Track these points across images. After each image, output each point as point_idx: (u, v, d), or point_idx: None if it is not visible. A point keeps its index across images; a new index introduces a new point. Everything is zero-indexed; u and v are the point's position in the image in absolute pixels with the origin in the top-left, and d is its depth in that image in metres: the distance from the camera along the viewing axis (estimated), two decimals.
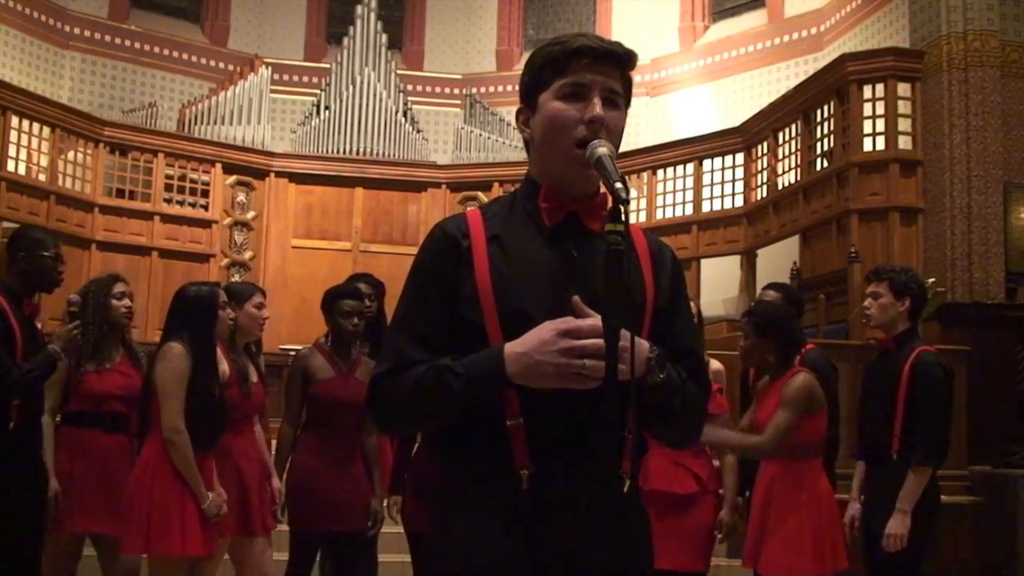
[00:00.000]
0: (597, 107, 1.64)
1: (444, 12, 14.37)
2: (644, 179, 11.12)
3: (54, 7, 12.25)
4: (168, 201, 11.87)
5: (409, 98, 13.41)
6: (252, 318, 4.00)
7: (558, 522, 1.59)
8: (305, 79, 13.82)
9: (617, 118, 1.68)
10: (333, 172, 12.65)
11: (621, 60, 1.69)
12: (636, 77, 1.75)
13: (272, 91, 13.06)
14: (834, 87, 8.65)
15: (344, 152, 12.74)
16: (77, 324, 3.78)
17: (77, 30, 12.53)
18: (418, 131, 13.25)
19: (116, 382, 3.92)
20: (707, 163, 10.69)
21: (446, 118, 13.95)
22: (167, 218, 11.79)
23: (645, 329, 1.67)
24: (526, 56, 1.80)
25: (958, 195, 7.69)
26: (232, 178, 12.36)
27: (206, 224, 12.08)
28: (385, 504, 4.12)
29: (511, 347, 1.56)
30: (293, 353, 5.38)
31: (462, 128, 13.26)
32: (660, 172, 11.09)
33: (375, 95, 12.88)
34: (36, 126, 10.50)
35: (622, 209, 1.50)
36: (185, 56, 13.38)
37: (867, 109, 8.32)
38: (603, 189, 1.63)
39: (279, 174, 12.59)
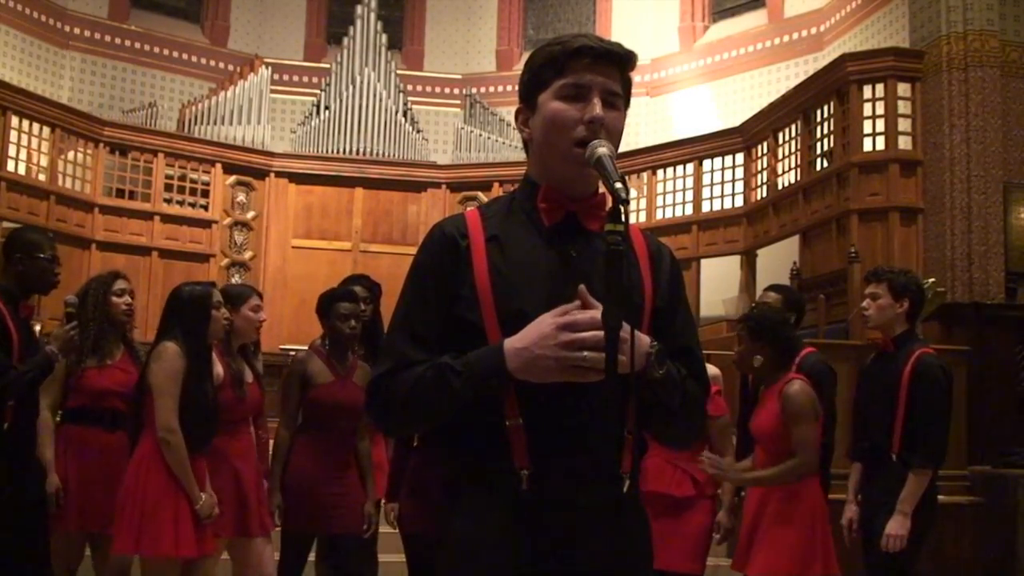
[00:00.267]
0: (597, 108, 1.64)
1: (444, 12, 14.37)
2: (644, 179, 11.12)
3: (54, 7, 12.25)
4: (168, 201, 11.87)
5: (409, 98, 13.41)
6: (248, 321, 3.99)
7: (558, 522, 1.60)
8: (305, 79, 13.82)
9: (616, 119, 1.68)
10: (333, 172, 12.65)
11: (621, 61, 1.69)
12: (636, 77, 1.75)
13: (272, 91, 13.06)
14: (834, 87, 8.65)
15: (344, 152, 12.74)
16: (74, 325, 3.78)
17: (77, 30, 12.53)
18: (418, 131, 13.25)
19: (116, 378, 3.92)
20: (707, 163, 10.68)
21: (446, 118, 13.95)
22: (167, 218, 11.79)
23: (644, 329, 1.67)
24: (526, 56, 1.80)
25: (958, 195, 7.69)
26: (232, 178, 12.37)
27: (206, 224, 12.08)
28: (382, 508, 4.12)
29: (511, 343, 1.57)
30: (293, 353, 5.38)
31: (462, 128, 13.26)
32: (660, 172, 11.09)
33: (375, 95, 12.88)
34: (36, 126, 10.50)
35: (622, 209, 1.50)
36: (185, 56, 13.38)
37: (867, 109, 8.32)
38: (602, 189, 1.63)
39: (279, 174, 12.59)
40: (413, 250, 1.78)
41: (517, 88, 1.77)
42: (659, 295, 1.73)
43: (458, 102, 13.89)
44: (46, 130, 10.63)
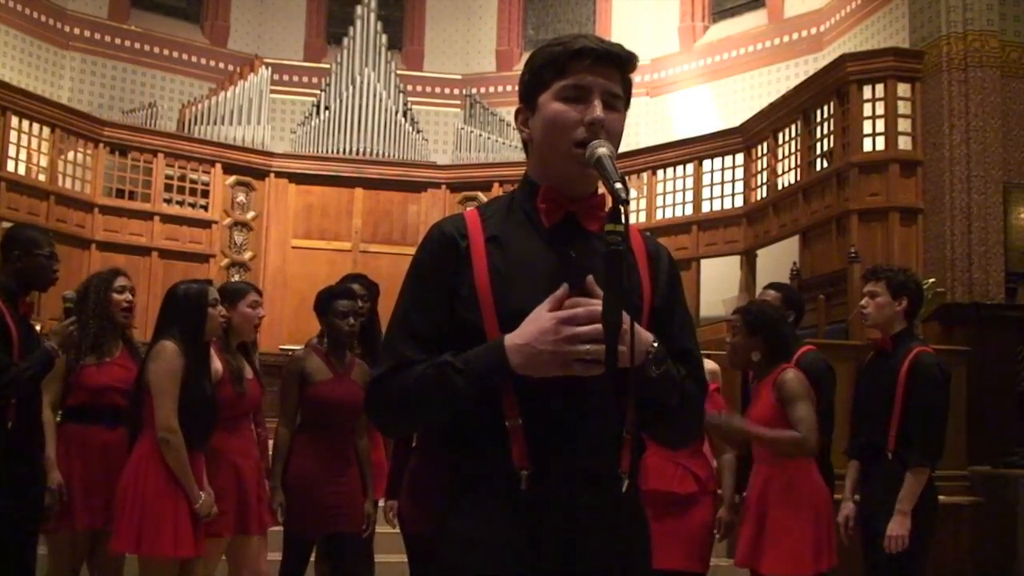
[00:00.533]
0: (597, 109, 1.64)
1: (444, 12, 14.36)
2: (644, 179, 11.12)
3: (54, 7, 12.25)
4: (168, 201, 11.87)
5: (409, 98, 13.41)
6: (246, 317, 3.98)
7: (557, 522, 1.59)
8: (305, 79, 13.82)
9: (617, 120, 1.68)
10: (333, 172, 12.65)
11: (622, 62, 1.69)
12: (636, 77, 1.75)
13: (272, 91, 13.06)
14: (834, 87, 8.65)
15: (344, 152, 12.74)
16: (73, 320, 3.78)
17: (77, 30, 12.53)
18: (418, 131, 13.25)
19: (115, 375, 3.92)
20: (707, 163, 10.69)
21: (446, 118, 13.95)
22: (167, 218, 11.79)
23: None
24: (526, 56, 1.80)
25: (958, 195, 7.69)
26: (232, 178, 12.37)
27: (206, 224, 12.09)
28: (381, 506, 4.12)
29: (511, 339, 1.57)
30: (291, 353, 5.36)
31: (462, 128, 13.26)
32: (660, 172, 11.10)
33: (375, 95, 12.88)
34: (36, 126, 10.51)
35: (622, 209, 1.50)
36: (185, 56, 13.38)
37: (867, 109, 8.33)
38: (602, 190, 1.63)
39: (279, 174, 12.60)
40: (413, 250, 1.78)
41: (517, 88, 1.76)
42: (658, 296, 1.73)
43: (458, 102, 13.89)
44: (46, 130, 10.64)
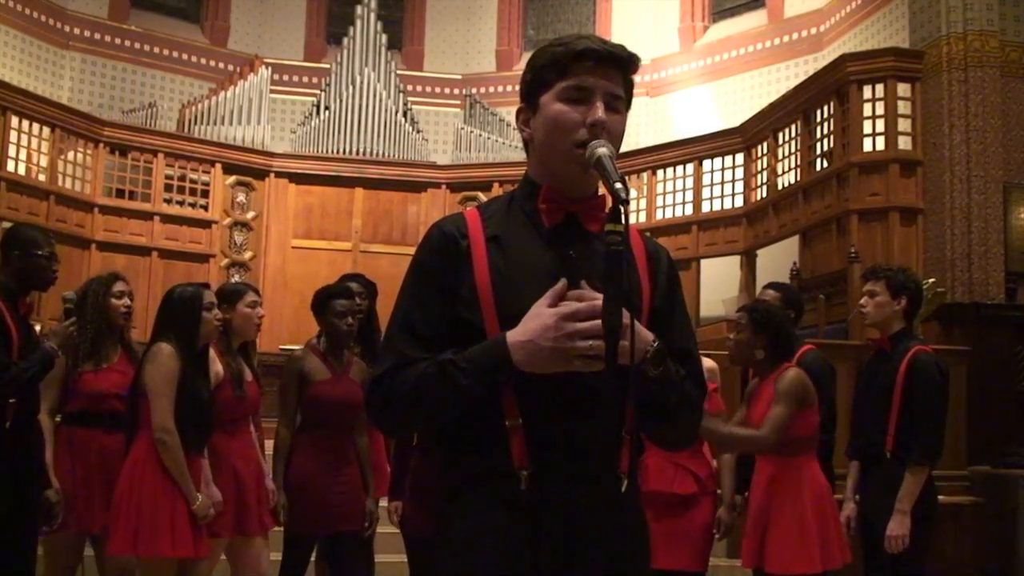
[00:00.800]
0: (599, 111, 1.64)
1: (444, 12, 14.36)
2: (644, 179, 11.12)
3: (54, 7, 12.24)
4: (168, 201, 11.86)
5: (409, 98, 13.40)
6: (246, 317, 3.98)
7: (556, 522, 1.60)
8: (305, 79, 13.81)
9: (618, 121, 1.68)
10: (333, 172, 12.65)
11: (624, 63, 1.69)
12: (636, 77, 1.75)
13: (272, 91, 13.05)
14: (834, 87, 8.65)
15: (344, 152, 12.73)
16: (73, 320, 3.78)
17: (77, 30, 12.52)
18: (418, 131, 13.25)
19: (114, 380, 3.92)
20: (707, 163, 10.68)
21: (446, 118, 13.94)
22: (167, 218, 11.78)
23: None
24: (526, 56, 1.81)
25: (958, 195, 7.69)
26: (232, 178, 12.36)
27: (206, 224, 12.08)
28: (383, 506, 4.12)
29: (513, 336, 1.57)
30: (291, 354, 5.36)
31: (462, 128, 13.26)
32: (660, 172, 11.09)
33: (375, 95, 12.87)
34: (36, 126, 10.50)
35: (622, 210, 1.50)
36: (185, 56, 13.38)
37: (867, 109, 8.32)
38: (602, 190, 1.63)
39: (279, 174, 12.59)
40: (413, 250, 1.77)
41: (518, 88, 1.76)
42: (657, 297, 1.73)
43: (458, 102, 13.88)
44: (46, 130, 10.63)
